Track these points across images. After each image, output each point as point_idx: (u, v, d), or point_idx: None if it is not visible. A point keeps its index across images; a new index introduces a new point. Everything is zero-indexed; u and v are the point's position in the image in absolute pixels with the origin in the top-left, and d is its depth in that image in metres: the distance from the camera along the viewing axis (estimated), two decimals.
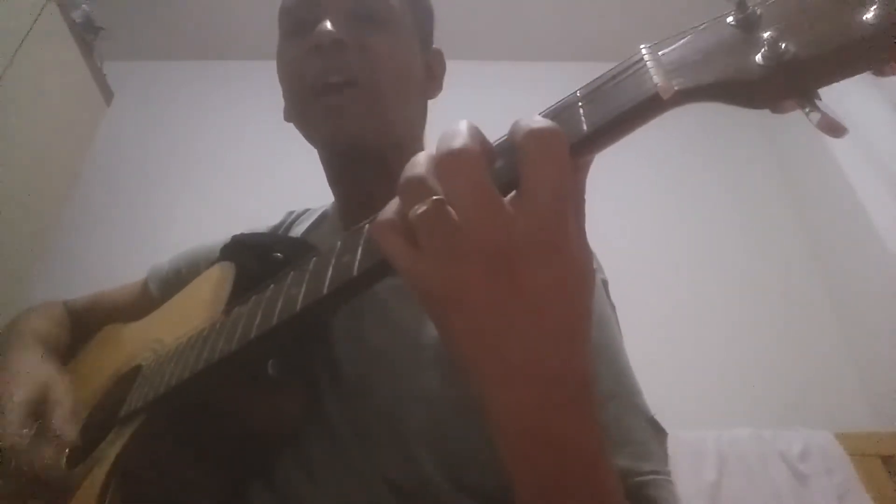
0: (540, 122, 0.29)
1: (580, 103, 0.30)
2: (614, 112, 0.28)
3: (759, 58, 0.25)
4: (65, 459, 0.53)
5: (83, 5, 1.91)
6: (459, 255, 0.28)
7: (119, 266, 1.96)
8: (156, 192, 2.19)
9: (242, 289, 0.50)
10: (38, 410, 0.56)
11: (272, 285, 0.44)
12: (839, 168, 1.89)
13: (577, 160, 0.29)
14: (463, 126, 0.30)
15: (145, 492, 0.47)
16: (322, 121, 0.60)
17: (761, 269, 2.04)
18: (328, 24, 0.58)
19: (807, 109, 0.24)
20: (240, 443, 0.49)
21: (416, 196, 0.29)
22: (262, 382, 0.48)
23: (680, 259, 2.05)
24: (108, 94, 2.04)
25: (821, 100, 0.24)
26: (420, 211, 0.28)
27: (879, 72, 0.23)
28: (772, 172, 2.26)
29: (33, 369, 0.61)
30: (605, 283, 0.61)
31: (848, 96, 1.79)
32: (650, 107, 0.27)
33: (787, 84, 0.25)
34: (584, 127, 0.29)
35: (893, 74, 0.23)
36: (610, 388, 0.49)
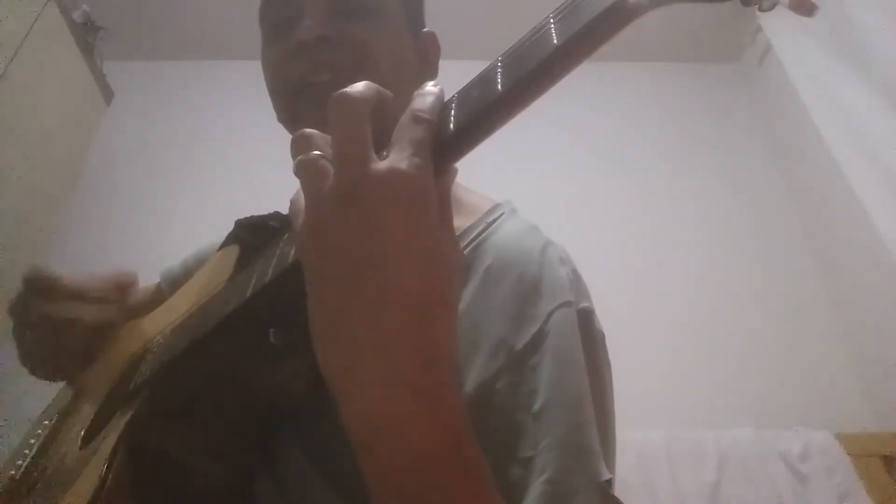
0: (421, 92, 0.33)
1: (552, 22, 0.30)
2: (582, 23, 0.28)
3: None
4: (80, 440, 0.54)
5: (83, 5, 1.91)
6: (321, 191, 0.30)
7: (119, 265, 1.97)
8: (156, 191, 2.19)
9: (245, 263, 0.50)
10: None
11: (268, 249, 0.44)
12: (839, 168, 1.88)
13: (554, 76, 0.29)
14: (360, 83, 0.32)
15: (149, 463, 0.47)
16: (313, 110, 0.57)
17: (762, 269, 2.04)
18: (309, 21, 0.57)
19: None
20: (244, 414, 0.49)
21: (298, 150, 0.32)
22: (265, 351, 0.47)
23: (680, 260, 2.05)
24: (108, 94, 2.04)
25: None
26: (296, 160, 0.32)
27: None
28: (772, 175, 2.26)
29: None
30: (584, 312, 0.50)
31: (848, 95, 1.78)
32: (617, 13, 0.27)
33: None
34: (555, 41, 0.29)
35: None
36: (565, 440, 0.42)
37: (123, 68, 2.22)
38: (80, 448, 0.54)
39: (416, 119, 0.31)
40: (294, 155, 0.32)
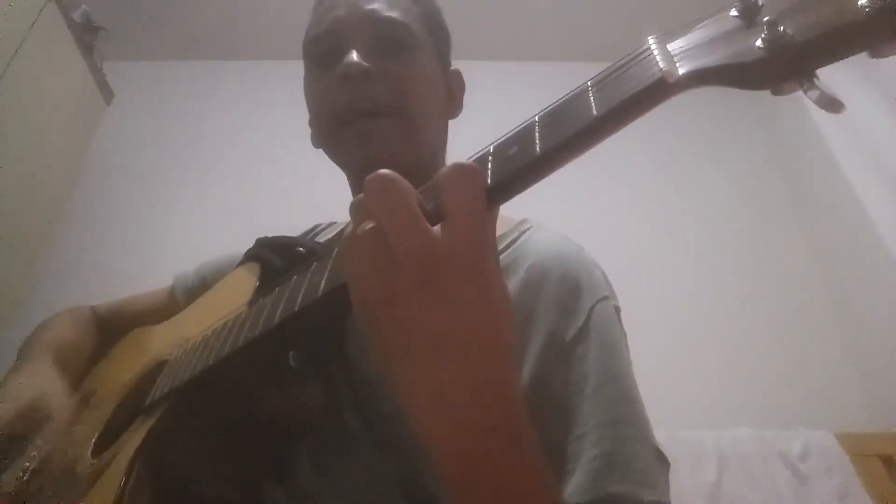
0: (458, 161, 0.34)
1: (591, 91, 0.32)
2: (623, 96, 0.29)
3: (759, 42, 0.26)
4: (90, 450, 0.54)
5: (83, 5, 1.91)
6: (389, 269, 0.32)
7: (119, 266, 1.97)
8: (155, 192, 2.19)
9: (267, 284, 0.51)
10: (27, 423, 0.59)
11: (295, 276, 0.45)
12: (840, 169, 1.89)
13: (590, 143, 0.31)
14: (385, 170, 0.34)
15: (167, 478, 0.47)
16: (356, 146, 0.62)
17: (761, 270, 2.04)
18: (354, 56, 0.61)
19: (805, 88, 0.26)
20: (259, 433, 0.50)
21: (358, 220, 0.34)
22: (284, 373, 0.48)
23: (681, 260, 2.05)
24: (108, 94, 2.04)
25: (818, 79, 0.26)
26: (357, 233, 0.33)
27: (875, 53, 0.24)
28: (773, 175, 2.26)
29: (29, 383, 0.64)
30: (617, 309, 0.58)
31: (850, 96, 1.78)
32: (656, 91, 0.29)
33: (785, 66, 0.26)
34: (594, 111, 0.30)
35: (890, 55, 0.24)
36: (617, 415, 0.48)
37: (123, 68, 2.22)
38: (93, 457, 0.54)
39: (465, 175, 0.33)
40: (353, 224, 0.34)
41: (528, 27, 2.43)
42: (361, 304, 0.33)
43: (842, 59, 0.25)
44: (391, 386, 0.33)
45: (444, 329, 0.31)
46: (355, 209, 0.34)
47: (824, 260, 2.04)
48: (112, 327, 0.78)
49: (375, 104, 0.61)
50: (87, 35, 1.91)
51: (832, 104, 0.25)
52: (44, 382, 0.65)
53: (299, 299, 0.41)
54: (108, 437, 0.54)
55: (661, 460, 0.48)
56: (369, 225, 0.32)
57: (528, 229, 0.62)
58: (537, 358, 0.50)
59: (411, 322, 0.31)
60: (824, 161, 1.96)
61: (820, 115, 1.95)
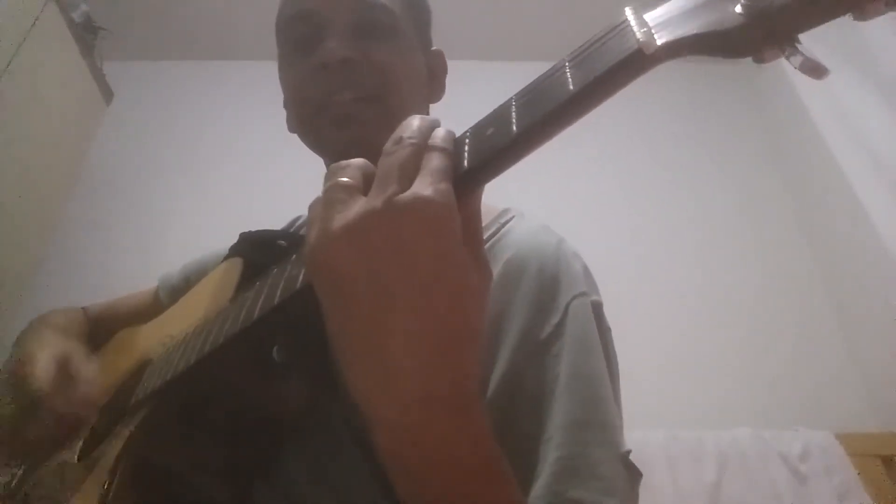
0: (426, 119, 0.33)
1: (568, 66, 0.31)
2: (599, 70, 0.28)
3: (738, 7, 0.26)
4: (78, 451, 0.54)
5: (83, 5, 1.91)
6: (339, 235, 0.30)
7: (119, 266, 1.97)
8: (155, 192, 2.19)
9: (249, 279, 0.50)
10: (63, 372, 0.59)
11: (275, 269, 0.44)
12: (839, 167, 1.88)
13: (569, 120, 0.30)
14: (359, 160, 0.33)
15: (152, 479, 0.47)
16: (334, 129, 0.61)
17: (761, 269, 2.04)
18: (334, 43, 0.59)
19: (787, 54, 0.25)
20: (245, 428, 0.50)
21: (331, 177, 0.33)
22: (267, 367, 0.48)
23: (680, 260, 2.04)
24: (108, 94, 2.04)
25: (801, 44, 0.25)
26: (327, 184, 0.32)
27: (859, 15, 0.24)
28: (772, 174, 2.26)
29: (54, 342, 0.64)
30: (596, 304, 0.54)
31: (848, 94, 1.78)
32: (634, 63, 0.28)
33: (766, 31, 0.25)
34: (571, 87, 0.29)
35: (874, 17, 0.23)
36: (582, 417, 0.45)
37: (123, 68, 2.22)
38: (79, 459, 0.54)
39: (433, 149, 0.32)
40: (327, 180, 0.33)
41: (524, 27, 2.43)
42: (314, 272, 0.32)
43: (824, 22, 0.24)
44: (341, 364, 0.32)
45: (395, 284, 0.29)
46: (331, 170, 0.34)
47: (824, 260, 2.03)
48: (101, 329, 0.78)
49: (356, 92, 0.59)
50: (87, 35, 1.91)
51: (816, 70, 0.24)
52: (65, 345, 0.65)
53: (279, 292, 0.40)
54: (95, 438, 0.54)
55: (629, 468, 0.45)
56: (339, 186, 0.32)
57: (510, 219, 0.60)
58: (511, 356, 0.48)
59: (363, 284, 0.29)
60: (824, 161, 1.96)
61: (819, 114, 1.94)
